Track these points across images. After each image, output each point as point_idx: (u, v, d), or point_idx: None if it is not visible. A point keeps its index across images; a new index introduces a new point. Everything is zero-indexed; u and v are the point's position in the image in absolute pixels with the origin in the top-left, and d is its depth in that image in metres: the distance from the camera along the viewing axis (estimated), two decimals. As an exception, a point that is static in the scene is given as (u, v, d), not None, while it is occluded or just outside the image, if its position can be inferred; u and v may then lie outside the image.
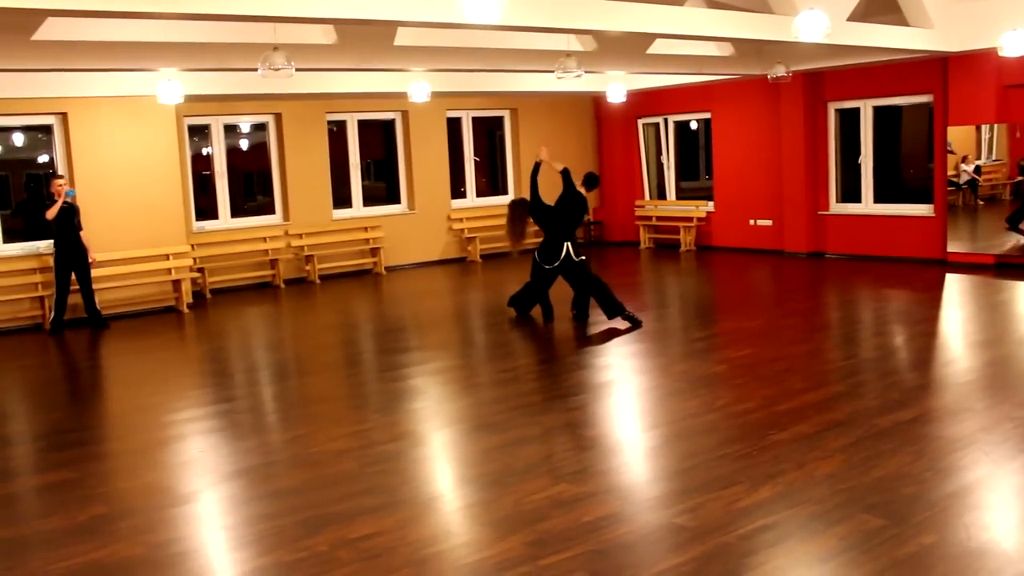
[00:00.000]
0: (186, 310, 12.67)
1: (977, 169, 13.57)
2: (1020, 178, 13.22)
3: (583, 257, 10.59)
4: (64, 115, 12.13)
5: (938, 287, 12.04)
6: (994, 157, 13.58)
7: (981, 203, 13.82)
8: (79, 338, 11.23)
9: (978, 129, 13.33)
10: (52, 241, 11.52)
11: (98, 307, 11.74)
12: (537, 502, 5.08)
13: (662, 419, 6.84)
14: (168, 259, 12.81)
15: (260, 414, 7.69)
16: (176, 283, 12.75)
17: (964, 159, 13.53)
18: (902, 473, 5.24)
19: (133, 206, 12.53)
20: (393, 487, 5.49)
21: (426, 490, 5.65)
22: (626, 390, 7.84)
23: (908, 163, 15.44)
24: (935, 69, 13.24)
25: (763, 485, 5.15)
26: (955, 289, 11.94)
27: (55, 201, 11.25)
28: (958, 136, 13.33)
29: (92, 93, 11.81)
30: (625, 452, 6.23)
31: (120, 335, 11.29)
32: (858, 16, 10.35)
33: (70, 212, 11.41)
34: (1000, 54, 10.53)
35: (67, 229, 11.36)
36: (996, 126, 13.12)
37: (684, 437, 6.25)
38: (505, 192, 17.79)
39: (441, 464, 6.26)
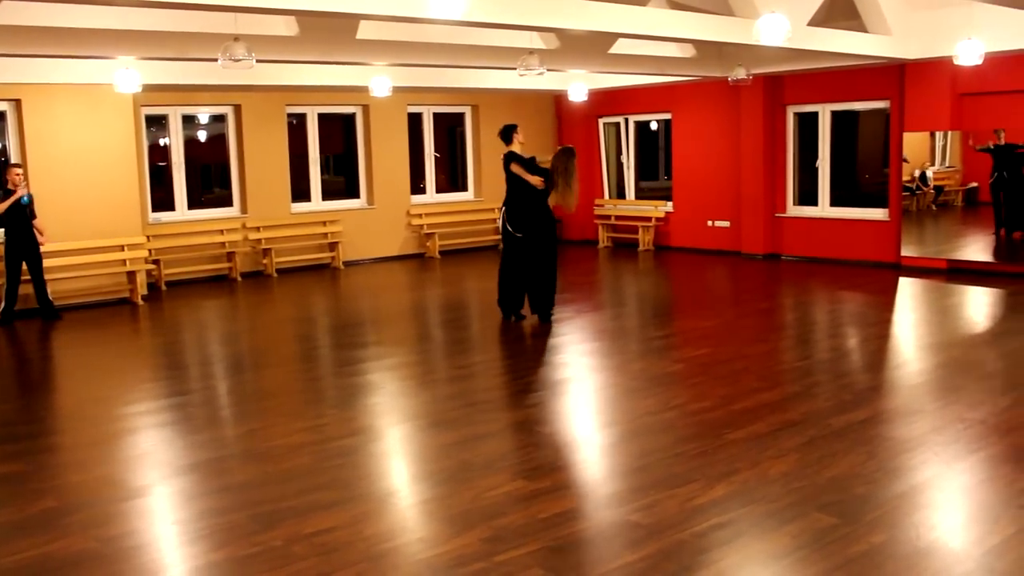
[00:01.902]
0: (141, 302, 12.52)
1: (923, 177, 13.76)
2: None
3: (519, 235, 10.09)
4: (18, 102, 11.93)
5: (891, 290, 12.22)
6: (947, 164, 13.78)
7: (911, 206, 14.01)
8: (30, 329, 11.05)
9: (932, 136, 13.53)
10: (2, 230, 11.31)
11: (50, 298, 11.55)
12: (493, 498, 5.09)
13: (618, 417, 6.88)
14: (123, 250, 12.65)
15: (215, 408, 7.62)
16: (131, 275, 12.59)
17: (923, 165, 13.73)
18: (854, 473, 5.31)
19: (88, 196, 12.35)
20: (349, 482, 5.47)
21: (382, 485, 5.64)
22: (583, 387, 7.87)
23: (864, 168, 15.64)
24: (892, 76, 13.42)
25: (718, 483, 5.19)
26: (908, 292, 12.12)
27: (11, 191, 11.02)
28: (913, 142, 13.51)
29: (48, 80, 11.60)
30: (581, 449, 6.25)
31: (73, 327, 11.13)
32: (818, 21, 10.46)
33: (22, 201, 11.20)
34: (955, 63, 10.69)
35: (19, 218, 11.15)
36: (950, 133, 13.32)
37: (640, 435, 6.29)
38: (465, 189, 17.78)
39: (397, 460, 6.25)
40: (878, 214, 14.14)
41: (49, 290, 11.56)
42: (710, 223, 16.18)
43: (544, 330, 10.00)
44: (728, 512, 4.80)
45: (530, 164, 10.10)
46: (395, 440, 6.60)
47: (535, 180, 9.98)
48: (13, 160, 11.84)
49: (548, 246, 10.21)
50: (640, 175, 17.93)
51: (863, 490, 5.04)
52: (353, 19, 9.15)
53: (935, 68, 12.65)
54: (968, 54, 10.36)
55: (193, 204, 14.75)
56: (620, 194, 18.05)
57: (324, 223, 15.62)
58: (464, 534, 4.63)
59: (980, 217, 13.86)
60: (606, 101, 17.15)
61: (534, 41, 11.02)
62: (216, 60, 8.47)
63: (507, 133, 10.33)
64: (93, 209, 12.39)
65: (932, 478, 5.32)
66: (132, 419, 7.14)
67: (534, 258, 10.14)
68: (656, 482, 5.26)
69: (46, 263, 11.52)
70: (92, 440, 6.64)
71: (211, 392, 8.22)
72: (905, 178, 13.66)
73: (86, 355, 9.89)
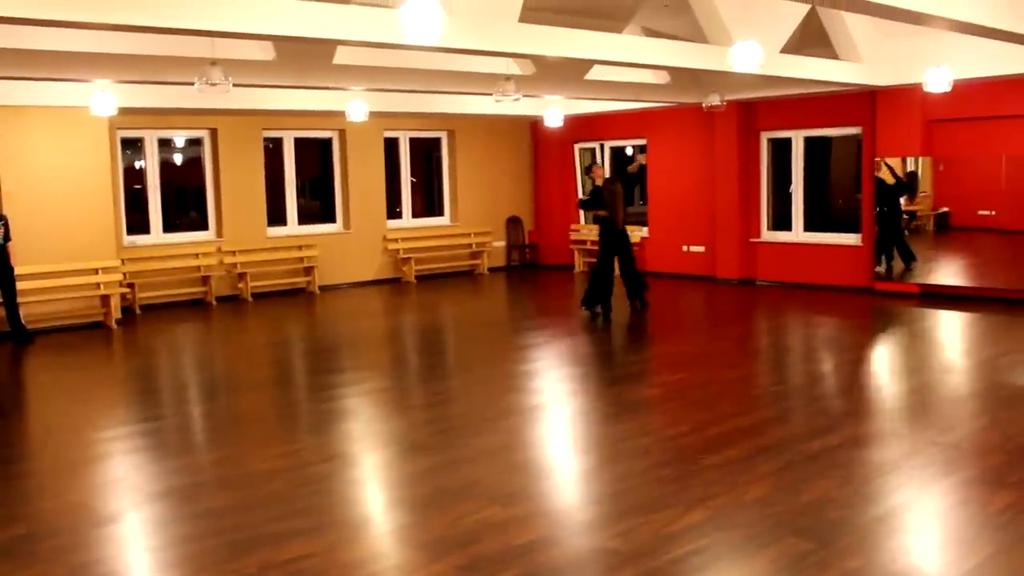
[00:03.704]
0: (115, 326, 12.42)
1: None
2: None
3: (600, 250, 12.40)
4: (-9, 124, 11.86)
5: (865, 315, 12.30)
6: (920, 190, 13.92)
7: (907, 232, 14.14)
8: (2, 353, 10.93)
9: (904, 161, 13.68)
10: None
11: (23, 321, 11.43)
12: (469, 524, 5.06)
13: (594, 442, 6.88)
14: (97, 273, 12.55)
15: (188, 433, 7.56)
16: (105, 298, 12.49)
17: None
18: (829, 497, 5.33)
19: (62, 219, 12.25)
20: (324, 509, 5.43)
21: (357, 512, 5.61)
22: (559, 413, 7.86)
23: (837, 193, 15.78)
24: (864, 102, 13.57)
25: (694, 509, 5.19)
26: (881, 317, 12.21)
27: None
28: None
29: (22, 102, 11.55)
30: (557, 475, 6.25)
31: (45, 350, 11.02)
32: (791, 48, 10.58)
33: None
34: (925, 89, 10.83)
35: (-9, 241, 11.07)
36: (921, 159, 13.48)
37: (616, 460, 6.28)
38: (441, 213, 17.80)
39: (373, 486, 6.21)
40: (851, 239, 14.25)
41: (22, 313, 11.44)
42: (685, 248, 16.25)
43: (520, 356, 10.01)
44: (704, 537, 4.80)
45: (595, 197, 12.19)
46: (370, 466, 6.57)
47: (602, 213, 12.14)
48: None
49: (623, 256, 12.48)
50: (616, 200, 17.98)
51: (838, 514, 5.06)
52: (330, 44, 9.17)
53: (905, 95, 12.81)
54: (937, 81, 10.49)
55: (168, 227, 14.68)
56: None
57: (300, 247, 15.58)
58: (439, 561, 4.60)
59: (952, 242, 14.01)
60: (582, 126, 17.23)
61: (510, 67, 11.08)
62: (193, 84, 8.45)
63: (588, 172, 12.43)
64: (67, 232, 12.29)
65: (907, 502, 5.35)
66: (105, 444, 7.07)
67: (608, 265, 12.43)
68: (632, 508, 5.26)
69: (18, 286, 11.40)
70: (64, 466, 6.56)
71: (185, 417, 8.16)
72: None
73: (59, 379, 9.79)
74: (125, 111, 11.86)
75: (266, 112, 13.70)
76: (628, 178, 12.91)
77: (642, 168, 13.13)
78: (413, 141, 17.34)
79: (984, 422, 6.98)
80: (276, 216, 15.62)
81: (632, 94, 12.90)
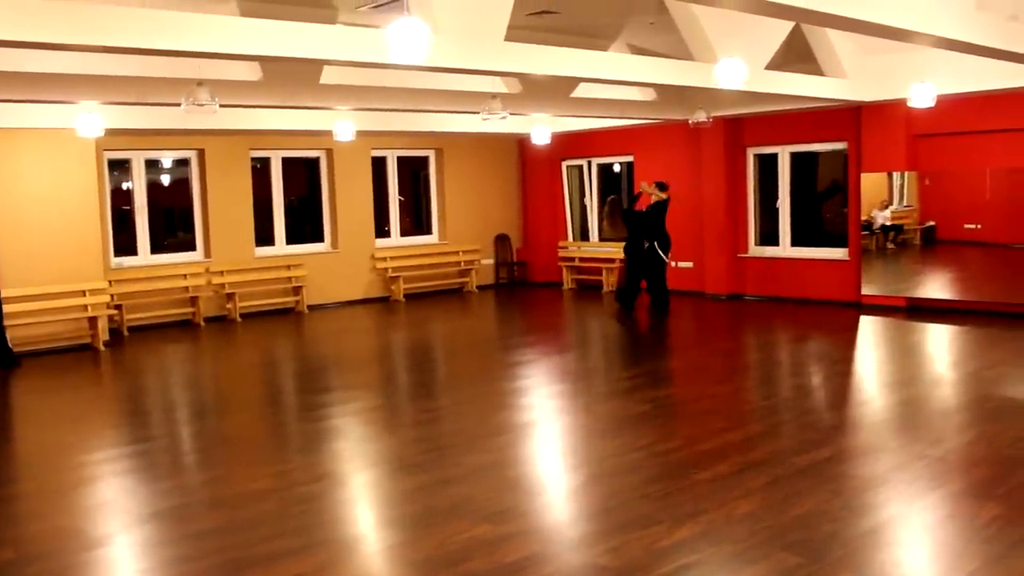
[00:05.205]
0: (102, 348, 12.38)
1: (884, 227, 14.01)
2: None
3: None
4: (-23, 147, 11.84)
5: (852, 329, 12.35)
6: (905, 203, 14.01)
7: (892, 246, 14.22)
8: (-12, 376, 10.90)
9: (890, 176, 13.77)
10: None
11: (10, 344, 11.39)
12: (460, 543, 5.06)
13: (584, 459, 6.88)
14: (85, 295, 12.52)
15: (178, 454, 7.53)
16: (92, 320, 12.46)
17: (883, 204, 13.95)
18: (819, 511, 5.34)
19: (49, 241, 12.23)
20: (314, 528, 5.42)
21: (348, 531, 5.60)
22: (549, 430, 7.87)
23: (824, 208, 15.85)
24: (849, 118, 13.66)
25: (684, 524, 5.20)
26: (869, 331, 12.26)
27: None
28: (870, 183, 13.74)
29: (7, 124, 11.53)
30: (547, 492, 6.24)
31: (33, 373, 10.97)
32: (775, 65, 10.65)
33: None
34: (909, 105, 10.91)
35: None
36: (906, 173, 13.56)
37: (606, 477, 6.29)
38: (429, 232, 17.81)
39: (363, 505, 6.20)
40: (838, 254, 14.32)
41: (8, 336, 11.40)
42: (673, 264, 16.26)
43: (509, 373, 10.01)
44: (694, 553, 4.81)
45: (619, 213, 14.53)
46: (360, 485, 6.56)
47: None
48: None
49: (637, 266, 14.28)
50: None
51: (828, 529, 5.07)
52: (316, 64, 9.19)
53: (890, 110, 12.90)
54: (921, 97, 10.57)
55: (156, 248, 14.65)
56: (584, 236, 18.16)
57: (288, 267, 15.57)
58: (431, 579, 4.60)
59: (938, 255, 14.09)
60: (569, 144, 17.30)
61: (497, 85, 11.13)
62: (179, 105, 8.47)
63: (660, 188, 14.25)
64: (54, 254, 12.27)
65: (896, 515, 5.37)
66: (93, 467, 7.04)
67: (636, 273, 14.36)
68: (622, 524, 5.26)
69: (5, 308, 11.36)
70: (52, 489, 6.54)
71: (174, 439, 8.13)
72: (864, 217, 13.86)
73: (46, 402, 9.75)
74: (112, 132, 11.86)
75: (253, 132, 13.71)
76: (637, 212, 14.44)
77: (633, 200, 14.42)
78: (401, 160, 17.37)
79: (971, 435, 7.01)
80: (264, 236, 15.61)
81: (619, 111, 12.96)
